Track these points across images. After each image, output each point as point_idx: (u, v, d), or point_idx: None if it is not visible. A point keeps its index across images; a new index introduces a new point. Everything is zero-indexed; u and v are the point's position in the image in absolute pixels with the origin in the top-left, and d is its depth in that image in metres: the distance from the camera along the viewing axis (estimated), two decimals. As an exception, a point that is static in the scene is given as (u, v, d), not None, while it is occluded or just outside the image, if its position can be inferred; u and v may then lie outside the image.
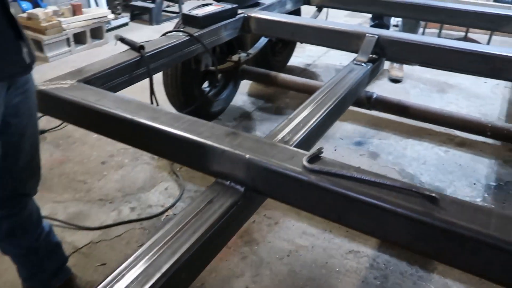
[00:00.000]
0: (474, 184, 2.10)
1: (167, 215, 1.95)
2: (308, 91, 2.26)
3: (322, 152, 1.04)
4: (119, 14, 4.83)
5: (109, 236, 1.83)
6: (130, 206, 2.00)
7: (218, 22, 2.06)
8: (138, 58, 1.69)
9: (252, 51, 2.49)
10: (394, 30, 3.73)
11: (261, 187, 1.06)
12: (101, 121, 1.31)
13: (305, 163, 0.98)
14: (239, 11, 2.25)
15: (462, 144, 2.43)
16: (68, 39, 3.73)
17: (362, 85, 1.84)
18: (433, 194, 0.85)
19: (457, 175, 2.17)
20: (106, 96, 1.34)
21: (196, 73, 2.33)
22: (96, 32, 4.01)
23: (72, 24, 3.71)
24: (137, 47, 1.70)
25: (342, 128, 2.62)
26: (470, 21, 2.50)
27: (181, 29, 1.94)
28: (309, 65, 3.64)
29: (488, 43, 3.95)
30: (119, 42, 1.75)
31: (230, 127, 2.71)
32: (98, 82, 1.54)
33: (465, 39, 4.28)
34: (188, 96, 2.42)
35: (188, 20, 2.02)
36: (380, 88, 3.16)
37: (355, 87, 1.73)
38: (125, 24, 4.64)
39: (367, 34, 1.94)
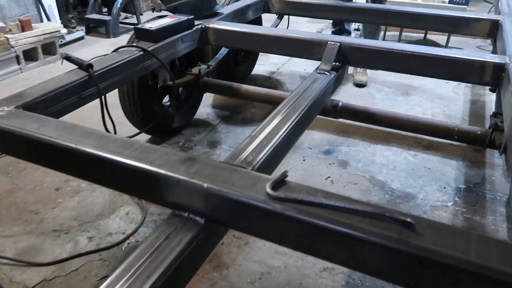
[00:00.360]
0: (444, 188, 2.08)
1: (128, 243, 1.81)
2: (273, 101, 2.19)
3: (287, 176, 0.95)
4: (73, 27, 4.62)
5: (64, 271, 1.68)
6: (88, 235, 1.85)
7: (173, 35, 1.96)
8: (86, 77, 1.56)
9: (213, 62, 2.40)
10: (356, 34, 3.74)
11: (222, 218, 0.96)
12: (43, 151, 1.18)
13: (268, 190, 0.89)
14: (197, 22, 2.15)
15: (429, 147, 2.43)
16: (17, 57, 3.50)
17: (327, 94, 1.78)
18: (408, 219, 0.78)
19: (427, 180, 2.14)
20: (47, 123, 1.21)
21: (154, 89, 2.21)
22: (49, 48, 3.80)
23: (21, 40, 3.49)
24: (84, 66, 1.57)
25: (310, 137, 2.56)
26: (429, 25, 2.52)
27: (134, 44, 1.82)
28: (274, 73, 3.58)
29: (446, 44, 4.03)
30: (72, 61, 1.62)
31: (194, 142, 2.62)
32: (40, 107, 1.40)
33: (425, 40, 4.36)
34: (147, 113, 2.29)
35: (141, 34, 1.90)
36: (346, 94, 3.14)
37: (320, 97, 1.67)
38: (81, 38, 4.43)
39: (328, 42, 1.89)
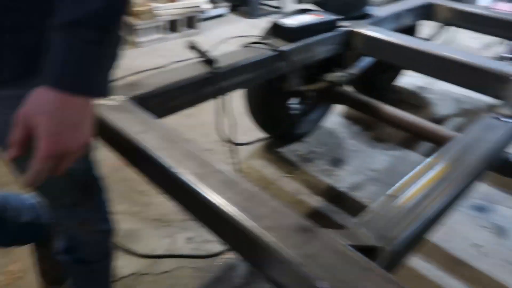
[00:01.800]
0: None
1: (224, 258, 1.62)
2: (420, 134, 1.76)
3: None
4: (217, 3, 4.65)
5: (156, 269, 1.58)
6: (187, 235, 1.72)
7: (312, 35, 1.67)
8: (208, 74, 1.39)
9: (354, 71, 2.04)
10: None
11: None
12: (140, 160, 1.03)
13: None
14: (343, 23, 1.82)
15: None
16: (160, 26, 3.62)
17: (501, 149, 1.31)
18: None
19: None
20: (152, 127, 1.03)
21: (280, 90, 1.97)
22: (190, 21, 3.86)
23: (165, 11, 3.59)
24: (208, 60, 1.39)
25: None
26: None
27: (266, 42, 1.59)
28: (422, 88, 3.03)
29: None
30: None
31: (316, 154, 2.27)
32: (155, 101, 1.27)
33: None
34: (272, 118, 2.08)
35: (275, 30, 1.65)
36: None
37: (492, 154, 1.21)
38: (222, 15, 4.43)
39: (516, 76, 1.40)
